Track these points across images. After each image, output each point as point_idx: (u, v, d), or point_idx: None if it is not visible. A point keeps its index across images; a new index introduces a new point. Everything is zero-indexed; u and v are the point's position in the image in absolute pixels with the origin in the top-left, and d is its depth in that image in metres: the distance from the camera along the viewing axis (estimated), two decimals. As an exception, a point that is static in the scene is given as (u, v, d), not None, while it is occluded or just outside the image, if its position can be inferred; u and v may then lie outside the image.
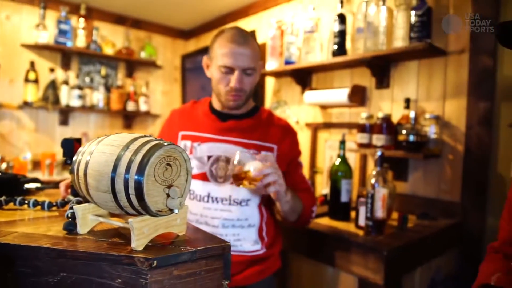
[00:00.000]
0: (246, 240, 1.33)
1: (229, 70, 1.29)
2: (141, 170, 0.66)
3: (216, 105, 1.44)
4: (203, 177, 1.35)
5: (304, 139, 2.55)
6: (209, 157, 1.35)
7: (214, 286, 0.74)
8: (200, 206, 1.34)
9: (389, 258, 1.35)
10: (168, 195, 0.71)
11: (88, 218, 0.77)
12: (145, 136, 0.73)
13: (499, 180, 1.70)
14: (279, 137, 1.40)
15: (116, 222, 0.76)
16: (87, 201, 0.79)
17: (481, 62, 1.73)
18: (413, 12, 1.78)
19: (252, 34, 2.96)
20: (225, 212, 1.32)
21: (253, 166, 1.16)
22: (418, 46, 1.75)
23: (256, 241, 1.35)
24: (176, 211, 0.72)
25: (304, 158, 2.52)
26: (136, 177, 0.66)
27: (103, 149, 0.71)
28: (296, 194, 1.35)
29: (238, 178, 1.18)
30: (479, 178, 1.75)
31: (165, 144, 0.70)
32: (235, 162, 1.19)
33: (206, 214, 1.33)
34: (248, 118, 1.41)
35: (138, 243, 0.67)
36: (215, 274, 0.74)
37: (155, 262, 0.63)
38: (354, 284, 1.50)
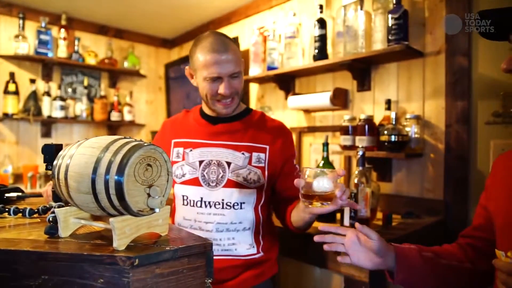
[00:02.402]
0: (241, 244, 1.31)
1: (216, 78, 1.27)
2: (121, 170, 0.66)
3: (207, 111, 1.42)
4: (195, 182, 1.33)
5: (289, 143, 2.57)
6: (200, 162, 1.34)
7: (197, 284, 0.74)
8: (194, 211, 1.33)
9: (374, 256, 1.36)
10: (149, 195, 0.71)
11: (70, 221, 0.77)
12: (125, 138, 0.74)
13: (479, 176, 1.74)
14: (271, 138, 1.38)
15: (98, 224, 0.76)
16: (68, 205, 0.79)
17: (457, 62, 1.78)
18: (390, 15, 1.82)
19: (235, 40, 2.99)
20: (218, 216, 1.30)
21: (325, 185, 1.05)
22: (396, 48, 1.79)
23: (251, 244, 1.33)
24: (157, 210, 0.72)
25: (290, 162, 2.53)
26: (116, 177, 0.66)
27: (83, 151, 0.72)
28: None
29: (309, 197, 1.07)
30: (460, 175, 1.78)
31: (145, 144, 0.71)
32: (305, 178, 1.07)
33: (200, 219, 1.32)
34: (239, 121, 1.40)
35: (119, 242, 0.67)
36: (197, 272, 0.74)
37: (136, 260, 0.64)
38: (341, 283, 1.51)
